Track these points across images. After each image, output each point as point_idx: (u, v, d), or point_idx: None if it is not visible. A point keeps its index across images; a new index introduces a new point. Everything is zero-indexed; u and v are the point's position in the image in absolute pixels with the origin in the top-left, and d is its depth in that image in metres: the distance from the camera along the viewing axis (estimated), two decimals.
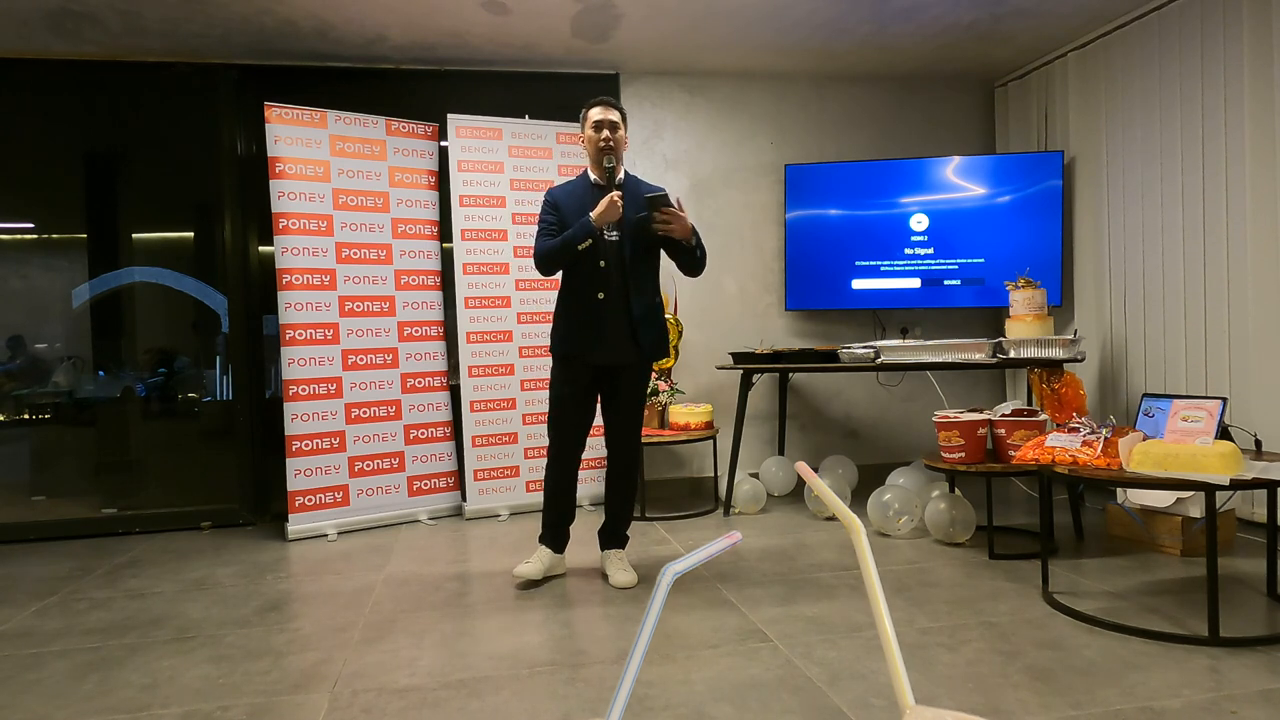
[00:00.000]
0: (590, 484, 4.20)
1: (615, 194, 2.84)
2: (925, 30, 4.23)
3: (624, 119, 3.00)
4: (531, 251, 3.17)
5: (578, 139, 4.43)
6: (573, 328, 2.96)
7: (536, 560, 3.05)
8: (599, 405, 3.09)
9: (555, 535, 3.09)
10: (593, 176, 3.01)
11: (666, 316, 4.41)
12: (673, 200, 2.86)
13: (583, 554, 3.32)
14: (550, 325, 3.11)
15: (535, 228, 4.35)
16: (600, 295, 2.91)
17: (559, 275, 3.05)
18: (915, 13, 4.01)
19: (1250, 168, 3.42)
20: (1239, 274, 3.49)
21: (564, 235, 2.89)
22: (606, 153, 2.93)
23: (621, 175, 2.98)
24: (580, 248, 2.86)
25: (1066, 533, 3.53)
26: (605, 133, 2.93)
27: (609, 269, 2.91)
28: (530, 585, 3.02)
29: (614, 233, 2.91)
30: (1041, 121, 4.72)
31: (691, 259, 2.99)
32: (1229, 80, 3.52)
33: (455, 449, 4.30)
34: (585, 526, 3.59)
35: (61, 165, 4.52)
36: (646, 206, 2.85)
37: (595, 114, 2.96)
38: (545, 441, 4.34)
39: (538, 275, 4.30)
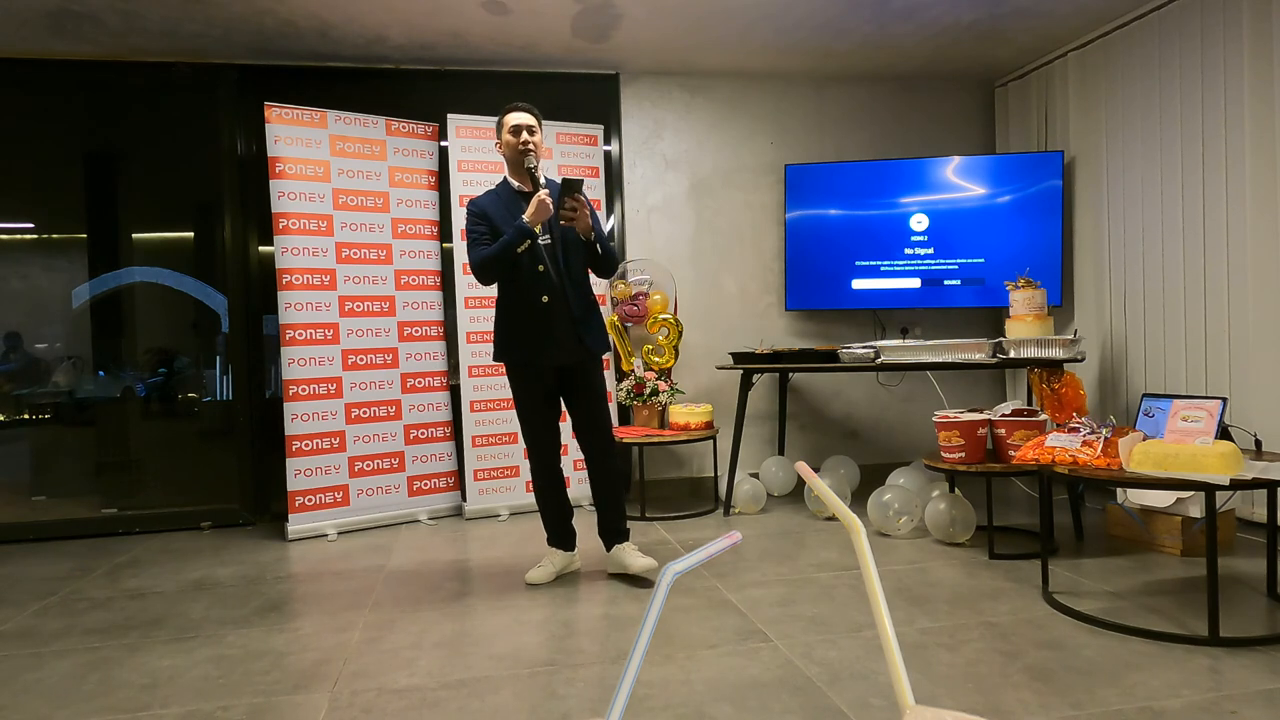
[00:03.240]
0: (584, 484, 4.20)
1: (542, 193, 2.85)
2: (925, 30, 4.23)
3: (540, 121, 3.01)
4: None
5: (578, 139, 4.46)
6: (519, 334, 2.97)
7: (548, 563, 3.09)
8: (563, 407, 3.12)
9: (561, 536, 3.12)
10: (514, 183, 3.02)
11: (665, 316, 4.43)
12: (521, 207, 2.87)
13: (582, 553, 3.31)
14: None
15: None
16: (545, 299, 2.93)
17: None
18: (915, 13, 4.01)
19: (1250, 168, 3.42)
20: (1239, 274, 3.49)
21: (500, 241, 2.88)
22: (527, 154, 2.94)
23: (542, 179, 2.99)
24: (519, 250, 2.87)
25: (1066, 533, 3.53)
26: (524, 135, 2.95)
27: (548, 272, 2.93)
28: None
29: (546, 236, 2.93)
30: (1041, 121, 4.72)
31: (596, 257, 2.99)
32: (1229, 80, 3.52)
33: (455, 449, 4.30)
34: (580, 525, 3.58)
35: (61, 165, 4.52)
36: (563, 190, 2.83)
37: (511, 119, 2.97)
38: None
39: None
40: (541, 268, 2.92)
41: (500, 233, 2.90)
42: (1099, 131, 4.25)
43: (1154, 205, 3.92)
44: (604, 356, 3.17)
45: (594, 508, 3.14)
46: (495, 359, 3.05)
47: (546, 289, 2.93)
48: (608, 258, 3.01)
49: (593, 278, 3.10)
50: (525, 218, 2.85)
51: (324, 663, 2.33)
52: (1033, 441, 2.84)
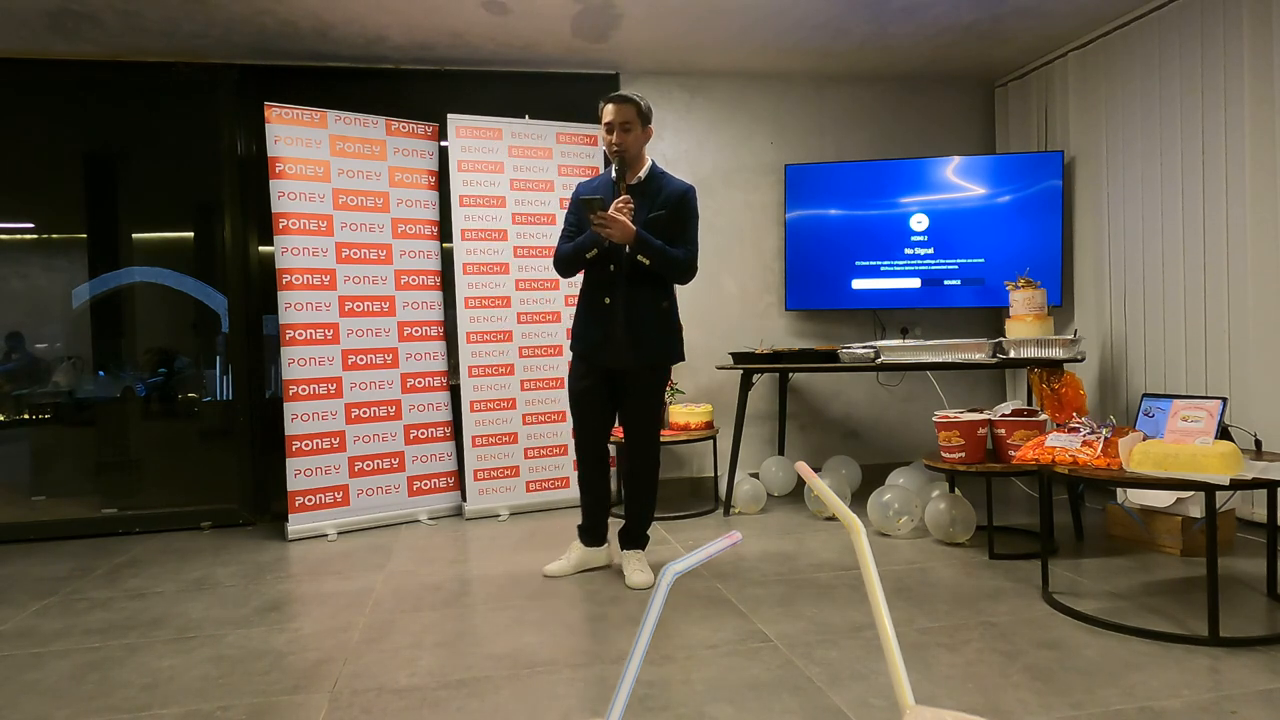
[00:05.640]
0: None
1: (619, 202, 2.80)
2: (925, 30, 4.23)
3: (641, 113, 2.90)
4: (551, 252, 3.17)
5: (578, 139, 4.46)
6: (585, 329, 2.98)
7: (565, 558, 3.13)
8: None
9: (589, 530, 3.13)
10: (613, 176, 2.95)
11: None
12: (611, 203, 2.80)
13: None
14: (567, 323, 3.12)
15: (535, 228, 4.38)
16: (607, 300, 2.91)
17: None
18: (915, 13, 4.01)
19: (1250, 168, 3.42)
20: (1239, 274, 3.49)
21: (576, 242, 2.92)
22: (615, 155, 2.90)
23: (643, 172, 2.95)
24: (588, 256, 2.88)
25: (1066, 533, 3.53)
26: (614, 136, 2.88)
27: (618, 273, 2.90)
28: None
29: (625, 245, 2.86)
30: (1041, 121, 4.72)
31: (653, 268, 2.85)
32: (1229, 80, 3.52)
33: (455, 449, 4.30)
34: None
35: (61, 165, 4.52)
36: (583, 209, 2.79)
37: (604, 114, 2.91)
38: (546, 441, 4.38)
39: (538, 275, 4.34)
40: (613, 267, 2.89)
41: (585, 225, 2.87)
42: (1099, 131, 4.25)
43: (1154, 205, 3.92)
44: (670, 368, 3.08)
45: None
46: (571, 346, 3.07)
47: (611, 289, 2.90)
48: (663, 267, 2.85)
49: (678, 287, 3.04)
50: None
51: (324, 663, 2.33)
52: (1033, 441, 2.84)
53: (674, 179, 2.99)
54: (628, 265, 2.88)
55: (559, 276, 3.11)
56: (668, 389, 4.32)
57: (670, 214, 2.90)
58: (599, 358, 2.94)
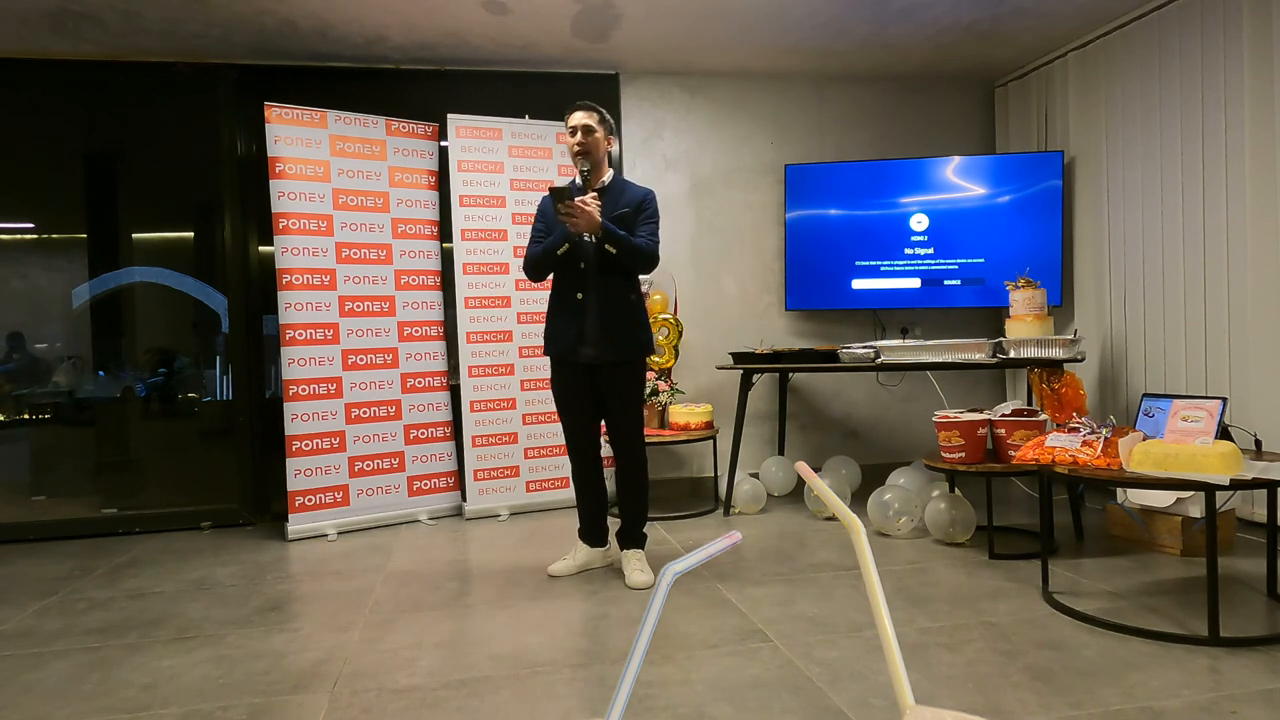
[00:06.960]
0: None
1: (588, 197, 2.88)
2: (925, 30, 4.23)
3: (604, 121, 3.04)
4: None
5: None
6: (558, 328, 3.04)
7: (570, 558, 3.15)
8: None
9: (588, 530, 3.16)
10: (578, 181, 3.06)
11: (665, 316, 4.43)
12: (578, 194, 2.89)
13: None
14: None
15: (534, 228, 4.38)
16: (579, 295, 2.97)
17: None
18: (915, 13, 4.01)
19: (1250, 168, 3.42)
20: (1239, 274, 3.49)
21: (546, 243, 3.00)
22: (578, 158, 3.00)
23: (606, 178, 3.05)
24: (559, 253, 2.94)
25: (1066, 533, 3.53)
26: (578, 137, 2.98)
27: (588, 270, 2.97)
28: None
29: (591, 236, 2.93)
30: (1041, 121, 4.72)
31: (619, 257, 2.92)
32: (1229, 80, 3.52)
33: (455, 449, 4.30)
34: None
35: (61, 165, 4.52)
36: (552, 198, 2.86)
37: (571, 119, 3.02)
38: (546, 441, 4.38)
39: None
40: (583, 265, 2.96)
41: (554, 230, 2.97)
42: (1099, 131, 4.25)
43: (1154, 205, 3.92)
44: (646, 360, 3.15)
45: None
46: (545, 351, 3.11)
47: (583, 286, 2.97)
48: (626, 256, 2.92)
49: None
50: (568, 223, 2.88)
51: (324, 663, 2.34)
52: (1033, 441, 2.84)
53: (635, 185, 3.12)
54: (596, 261, 2.95)
55: (529, 280, 3.14)
56: (668, 389, 4.32)
57: (633, 211, 3.00)
58: (575, 355, 2.99)
